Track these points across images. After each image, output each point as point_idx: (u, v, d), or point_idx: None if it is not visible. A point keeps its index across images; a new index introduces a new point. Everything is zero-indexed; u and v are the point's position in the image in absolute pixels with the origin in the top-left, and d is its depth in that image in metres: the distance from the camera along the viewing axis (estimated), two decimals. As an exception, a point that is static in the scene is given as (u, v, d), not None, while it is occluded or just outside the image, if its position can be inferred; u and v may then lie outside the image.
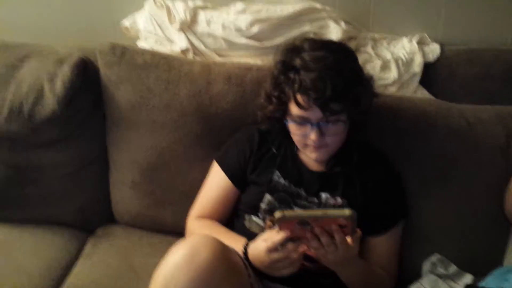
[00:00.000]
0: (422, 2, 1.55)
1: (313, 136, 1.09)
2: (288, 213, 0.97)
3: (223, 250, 0.94)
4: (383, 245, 1.19)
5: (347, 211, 0.95)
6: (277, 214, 0.96)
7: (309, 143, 1.12)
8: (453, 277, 1.20)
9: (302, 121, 1.10)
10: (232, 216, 1.25)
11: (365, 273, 1.13)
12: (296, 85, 1.07)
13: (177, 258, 0.91)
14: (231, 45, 1.50)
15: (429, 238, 1.26)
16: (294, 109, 1.10)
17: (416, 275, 1.21)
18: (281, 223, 0.99)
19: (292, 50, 1.12)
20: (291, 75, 1.08)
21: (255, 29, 1.49)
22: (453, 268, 1.21)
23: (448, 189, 1.25)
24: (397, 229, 1.21)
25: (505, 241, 1.21)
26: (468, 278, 1.19)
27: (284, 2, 1.54)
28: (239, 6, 1.54)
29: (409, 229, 1.24)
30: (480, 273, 1.15)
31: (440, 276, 1.19)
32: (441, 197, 1.25)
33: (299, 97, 1.07)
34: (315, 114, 1.08)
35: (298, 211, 1.00)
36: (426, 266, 1.22)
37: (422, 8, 1.55)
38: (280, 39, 1.48)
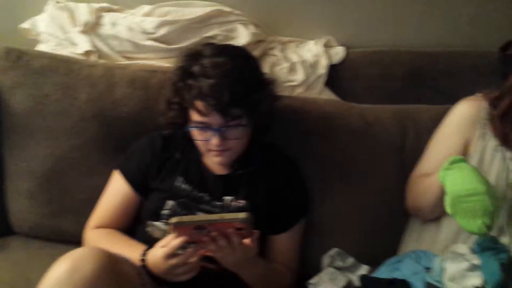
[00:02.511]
0: (328, 7, 1.60)
1: (214, 141, 1.10)
2: (184, 218, 0.97)
3: (109, 261, 0.92)
4: (285, 242, 1.22)
5: (242, 214, 0.96)
6: (173, 219, 0.97)
7: (211, 148, 1.12)
8: (350, 269, 1.24)
9: (203, 127, 1.11)
10: (134, 224, 1.22)
11: (266, 271, 1.15)
12: (194, 91, 1.07)
13: (59, 272, 0.88)
14: (138, 47, 1.47)
15: (330, 233, 1.30)
16: (194, 115, 1.11)
17: (317, 270, 1.24)
18: (178, 229, 0.99)
19: (192, 56, 1.12)
20: (190, 82, 1.09)
21: (162, 31, 1.47)
22: (350, 260, 1.26)
23: (347, 185, 1.30)
24: (299, 227, 1.24)
25: (401, 233, 1.27)
26: (364, 269, 1.24)
27: (192, 5, 1.54)
28: (146, 8, 1.52)
29: (311, 225, 1.28)
30: (377, 263, 1.20)
31: (338, 269, 1.24)
32: (341, 193, 1.30)
33: (198, 104, 1.08)
34: (216, 119, 1.08)
35: (194, 216, 1.00)
36: (326, 260, 1.26)
37: (328, 13, 1.60)
38: (189, 42, 1.48)
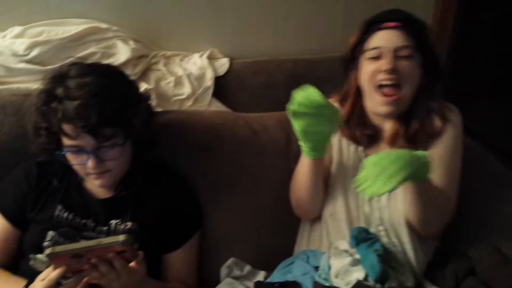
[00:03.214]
0: (210, 20, 1.62)
1: (90, 164, 1.06)
2: (58, 248, 0.93)
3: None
4: (180, 259, 1.20)
5: (121, 237, 0.94)
6: (47, 251, 0.93)
7: (89, 171, 1.08)
8: (248, 277, 1.25)
9: (76, 151, 1.07)
10: (18, 258, 1.15)
11: None
12: (60, 115, 1.03)
13: None
14: (9, 71, 1.40)
15: (225, 244, 1.30)
16: (64, 139, 1.07)
17: (217, 282, 1.24)
18: (55, 259, 0.94)
19: (57, 77, 1.08)
20: (54, 105, 1.04)
21: (34, 52, 1.41)
22: (247, 268, 1.27)
23: (238, 194, 1.31)
24: (193, 241, 1.23)
25: (294, 235, 1.30)
26: (261, 275, 1.26)
27: (67, 23, 1.48)
28: (17, 29, 1.45)
29: (205, 238, 1.27)
30: (274, 268, 1.21)
31: (236, 278, 1.24)
32: (232, 203, 1.31)
33: (65, 127, 1.04)
34: (88, 141, 1.05)
35: (69, 245, 0.95)
36: (224, 271, 1.26)
37: (210, 25, 1.63)
38: (65, 61, 1.41)
